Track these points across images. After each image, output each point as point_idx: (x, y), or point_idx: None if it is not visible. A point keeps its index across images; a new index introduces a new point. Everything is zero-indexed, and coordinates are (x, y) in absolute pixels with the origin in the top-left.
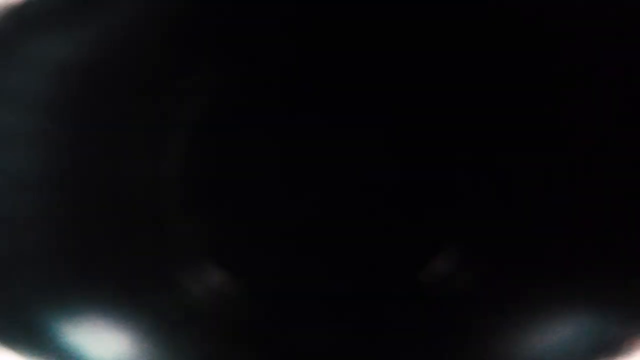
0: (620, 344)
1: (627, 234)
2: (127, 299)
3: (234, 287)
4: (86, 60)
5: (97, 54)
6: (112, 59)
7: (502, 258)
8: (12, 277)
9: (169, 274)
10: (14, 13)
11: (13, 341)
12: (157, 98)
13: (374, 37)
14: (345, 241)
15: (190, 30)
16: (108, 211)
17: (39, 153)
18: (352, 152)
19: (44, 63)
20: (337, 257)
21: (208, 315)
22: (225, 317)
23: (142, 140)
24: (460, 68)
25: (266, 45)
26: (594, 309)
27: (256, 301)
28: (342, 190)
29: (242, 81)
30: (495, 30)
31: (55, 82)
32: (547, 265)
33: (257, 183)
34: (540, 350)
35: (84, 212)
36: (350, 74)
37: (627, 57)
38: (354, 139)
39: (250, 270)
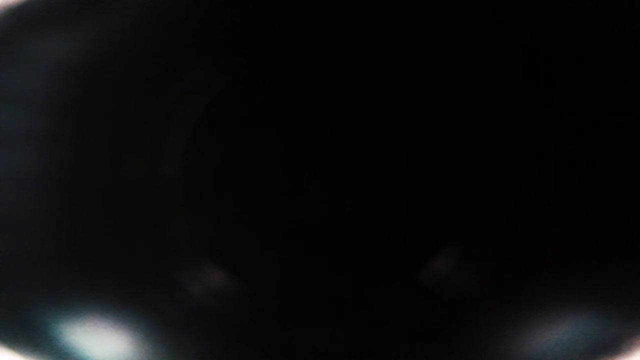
0: (620, 343)
1: (627, 233)
2: (127, 299)
3: (234, 287)
4: (86, 60)
5: (97, 54)
6: (112, 58)
7: (502, 258)
8: (12, 277)
9: (169, 274)
10: (14, 13)
11: (13, 341)
12: (157, 98)
13: (374, 37)
14: (346, 241)
15: (190, 30)
16: (108, 211)
17: (39, 153)
18: (352, 152)
19: (44, 63)
20: (337, 257)
21: (208, 315)
22: (225, 317)
23: (142, 140)
24: (461, 67)
25: (266, 45)
26: (594, 308)
27: (256, 301)
28: (342, 190)
29: (243, 81)
30: (495, 31)
31: (55, 82)
32: (547, 265)
33: (256, 183)
34: (540, 350)
35: (83, 212)
36: (351, 72)
37: (627, 56)
38: (354, 138)
39: (250, 270)
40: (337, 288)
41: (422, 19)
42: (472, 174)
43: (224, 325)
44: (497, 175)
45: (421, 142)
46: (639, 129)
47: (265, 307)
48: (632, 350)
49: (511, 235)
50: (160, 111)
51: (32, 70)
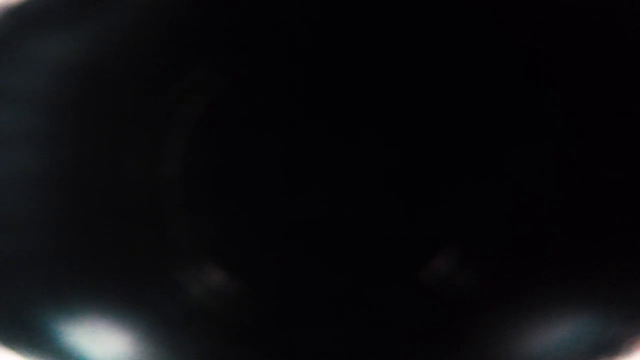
0: (620, 343)
1: (627, 233)
2: (127, 299)
3: (234, 287)
4: (86, 60)
5: (97, 54)
6: (112, 58)
7: (502, 258)
8: (12, 277)
9: (169, 273)
10: (14, 13)
11: (13, 341)
12: (157, 98)
13: (374, 36)
14: (346, 241)
15: (190, 30)
16: (108, 211)
17: (39, 153)
18: (352, 152)
19: (44, 63)
20: (337, 257)
21: (208, 315)
22: (225, 317)
23: (142, 140)
24: (461, 67)
25: (266, 45)
26: (594, 308)
27: (256, 301)
28: (342, 190)
29: (243, 81)
30: (495, 30)
31: (55, 82)
32: (547, 265)
33: (256, 183)
34: (540, 350)
35: (84, 212)
36: (351, 73)
37: (627, 56)
38: (354, 138)
39: (250, 270)
40: (337, 288)
41: (422, 19)
42: (472, 174)
43: (224, 325)
44: (497, 175)
45: (421, 142)
46: (639, 129)
47: (265, 307)
48: (632, 350)
49: (511, 235)
50: (160, 111)
51: (32, 70)
